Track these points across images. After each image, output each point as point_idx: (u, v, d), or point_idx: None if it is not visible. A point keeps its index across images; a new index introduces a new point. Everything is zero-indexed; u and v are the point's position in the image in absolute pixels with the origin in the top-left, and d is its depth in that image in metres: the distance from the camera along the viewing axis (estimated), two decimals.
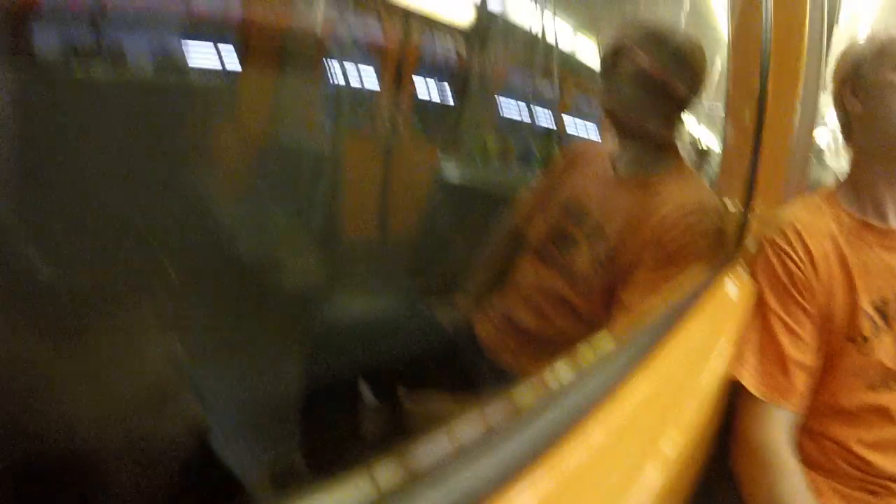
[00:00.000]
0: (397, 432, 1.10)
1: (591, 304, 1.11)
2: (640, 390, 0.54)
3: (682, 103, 1.17)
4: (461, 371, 1.23)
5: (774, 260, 1.00)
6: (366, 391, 1.30)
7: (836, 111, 1.07)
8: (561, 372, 0.59)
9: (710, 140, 4.76)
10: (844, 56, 1.04)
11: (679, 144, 1.21)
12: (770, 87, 1.16)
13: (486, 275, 1.42)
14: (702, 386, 0.66)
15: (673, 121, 1.19)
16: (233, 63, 3.19)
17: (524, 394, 0.52)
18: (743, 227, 1.21)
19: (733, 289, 1.03)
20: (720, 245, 1.09)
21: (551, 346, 1.15)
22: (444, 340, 1.29)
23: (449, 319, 1.32)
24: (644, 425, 0.52)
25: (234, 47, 3.20)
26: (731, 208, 1.22)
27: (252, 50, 3.16)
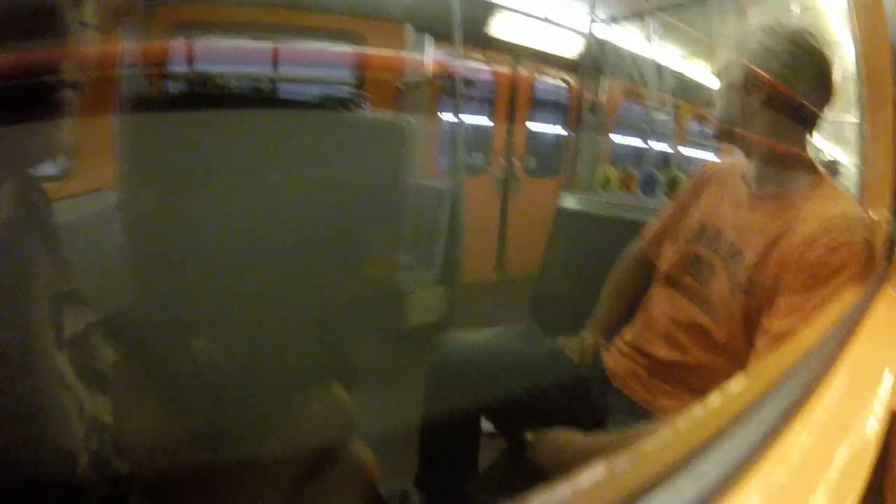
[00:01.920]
0: (525, 468, 1.06)
1: (731, 333, 1.03)
2: (799, 443, 0.47)
3: (816, 115, 1.08)
4: (589, 405, 1.18)
5: None
6: (490, 427, 1.28)
7: None
8: (703, 421, 0.53)
9: (837, 152, 4.40)
10: None
11: (814, 157, 1.11)
12: None
13: (613, 305, 1.37)
14: (872, 426, 0.57)
15: (807, 132, 1.09)
16: (354, 105, 3.38)
17: (664, 445, 0.47)
18: (893, 239, 1.08)
19: (888, 308, 0.91)
20: (871, 261, 0.98)
21: (688, 379, 1.08)
22: (571, 374, 1.24)
23: (576, 352, 1.28)
24: (805, 483, 0.45)
25: (356, 90, 3.39)
26: (878, 219, 1.10)
27: (372, 93, 3.33)
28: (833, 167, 3.95)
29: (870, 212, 1.09)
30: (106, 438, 0.39)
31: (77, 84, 0.40)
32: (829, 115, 1.11)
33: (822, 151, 4.40)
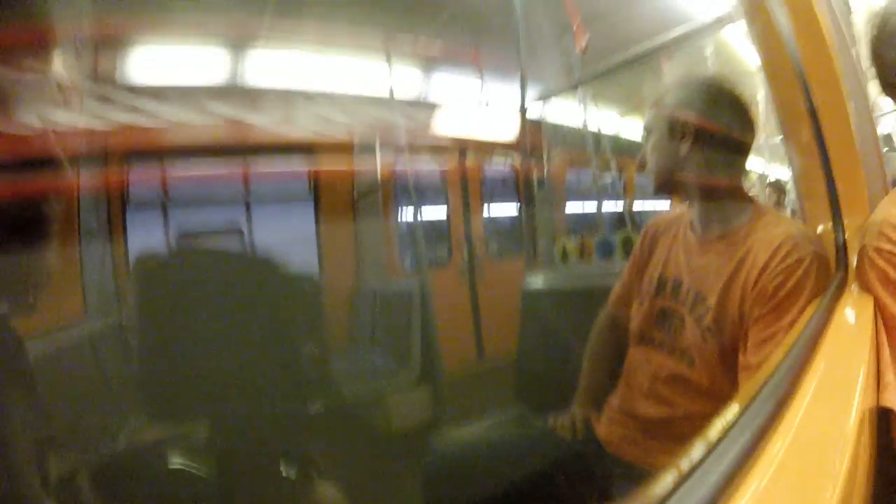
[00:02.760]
0: None
1: (713, 377, 1.03)
2: (780, 450, 0.48)
3: (744, 148, 1.14)
4: (590, 479, 1.16)
5: (885, 266, 0.91)
6: None
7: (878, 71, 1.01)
8: (693, 452, 0.53)
9: (779, 171, 4.60)
10: (873, 19, 1.00)
11: (747, 188, 1.17)
12: (816, 100, 1.12)
13: (595, 374, 1.36)
14: (849, 428, 0.58)
15: (739, 168, 1.16)
16: (310, 221, 3.44)
17: (659, 485, 0.47)
18: (841, 245, 1.12)
19: (852, 313, 0.93)
20: (827, 272, 1.01)
21: (681, 431, 1.07)
22: (567, 451, 1.22)
23: (568, 428, 1.26)
24: (793, 487, 0.45)
25: (311, 205, 3.45)
26: (823, 231, 1.14)
27: (326, 204, 3.39)
28: (778, 186, 4.12)
29: (815, 225, 1.14)
30: None
31: (49, 215, 0.41)
32: (763, 139, 1.18)
33: (765, 175, 4.60)
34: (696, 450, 0.52)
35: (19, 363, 0.45)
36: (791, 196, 3.96)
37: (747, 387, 0.87)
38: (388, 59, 3.17)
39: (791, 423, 0.53)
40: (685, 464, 0.49)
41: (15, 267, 0.42)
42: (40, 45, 0.42)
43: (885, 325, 0.90)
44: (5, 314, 0.45)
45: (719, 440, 0.49)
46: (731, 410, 0.63)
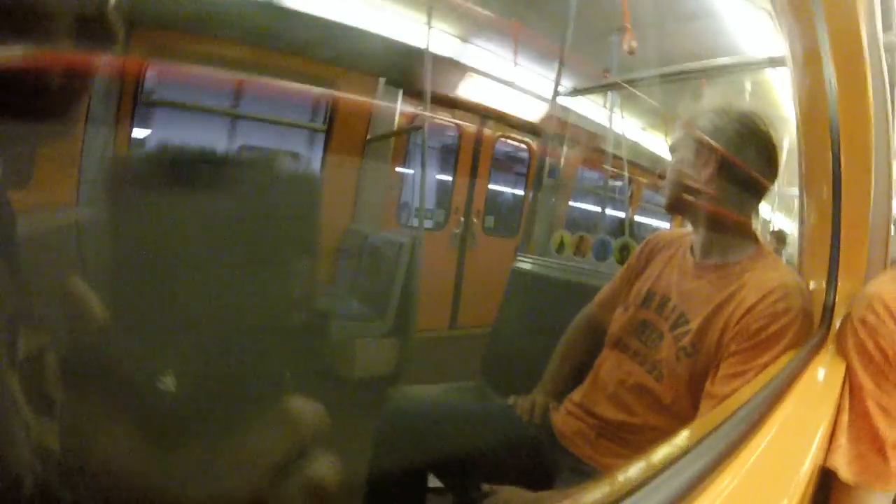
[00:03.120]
0: None
1: (676, 396, 1.06)
2: (728, 488, 0.49)
3: (762, 189, 1.15)
4: (537, 463, 1.19)
5: (865, 338, 0.93)
6: (437, 482, 1.26)
7: None
8: (642, 467, 0.55)
9: (783, 223, 4.63)
10: None
11: (757, 228, 1.18)
12: (843, 161, 1.13)
13: (564, 367, 1.39)
14: (796, 481, 0.60)
15: (752, 205, 1.16)
16: (319, 155, 3.42)
17: (601, 491, 0.49)
18: (829, 306, 1.14)
19: (823, 372, 0.95)
20: (809, 328, 1.03)
21: (634, 438, 1.10)
22: (520, 432, 1.25)
23: (526, 411, 1.28)
24: None
25: (322, 140, 3.43)
26: (816, 288, 1.16)
27: (337, 136, 3.37)
28: (780, 236, 4.15)
29: (809, 281, 1.15)
30: (52, 464, 0.38)
31: (51, 89, 0.40)
32: (776, 188, 1.18)
33: (769, 222, 4.63)
34: (648, 465, 0.53)
35: (7, 233, 0.44)
36: (789, 250, 4.00)
37: (710, 416, 0.90)
38: (429, 12, 3.12)
39: (745, 461, 0.55)
40: (634, 474, 0.50)
41: (21, 135, 0.42)
42: None
43: (850, 391, 0.93)
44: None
45: (672, 461, 0.50)
46: (691, 434, 0.65)
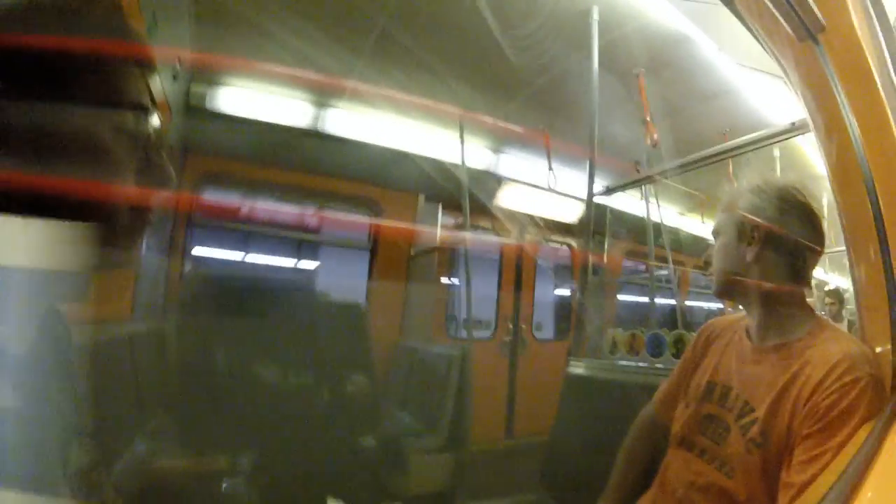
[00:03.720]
0: None
1: (751, 491, 0.98)
2: None
3: (811, 260, 1.12)
4: None
5: None
6: None
7: None
8: None
9: (838, 280, 4.41)
10: None
11: (812, 301, 1.13)
12: (884, 213, 1.08)
13: (628, 472, 1.31)
14: None
15: (804, 279, 1.13)
16: (364, 271, 3.50)
17: None
18: None
19: None
20: (881, 395, 0.95)
21: None
22: None
23: None
24: None
25: (368, 265, 3.52)
26: (882, 352, 1.08)
27: (382, 257, 3.45)
28: (837, 294, 3.95)
29: (874, 346, 1.08)
30: None
31: (122, 214, 0.44)
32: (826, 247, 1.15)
33: (823, 283, 4.44)
34: None
35: (63, 352, 0.46)
36: (850, 306, 3.79)
37: None
38: (462, 129, 3.27)
39: None
40: None
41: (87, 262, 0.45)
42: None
43: None
44: (59, 303, 0.47)
45: None
46: None
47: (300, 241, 3.27)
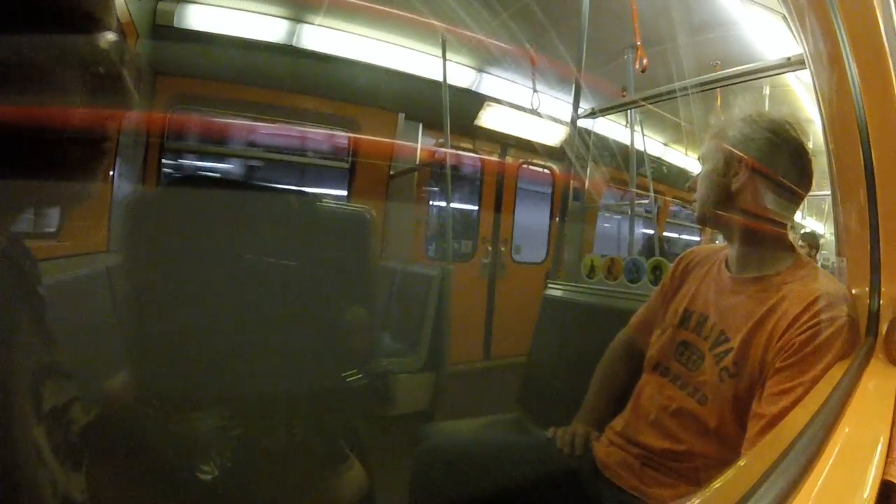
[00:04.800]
0: None
1: (722, 418, 1.01)
2: None
3: (796, 198, 1.12)
4: (580, 497, 1.14)
5: None
6: None
7: None
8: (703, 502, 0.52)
9: (815, 224, 4.50)
10: None
11: (792, 238, 1.14)
12: (875, 159, 1.08)
13: (603, 395, 1.35)
14: (862, 500, 0.56)
15: (787, 215, 1.13)
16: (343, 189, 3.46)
17: None
18: (875, 312, 1.08)
19: (876, 381, 0.90)
20: (856, 337, 0.98)
21: (680, 466, 1.05)
22: (561, 465, 1.20)
23: (566, 443, 1.24)
24: None
25: (347, 178, 3.47)
26: (859, 294, 1.11)
27: (360, 176, 3.40)
28: (812, 240, 4.04)
29: (851, 287, 1.10)
30: None
31: (77, 142, 0.41)
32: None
33: (799, 226, 4.53)
34: (707, 500, 0.50)
35: (30, 287, 0.44)
36: (823, 251, 3.87)
37: (768, 445, 0.85)
38: (444, 45, 3.16)
39: (811, 488, 0.51)
40: None
41: (42, 186, 0.42)
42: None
43: None
44: (21, 234, 0.45)
45: (741, 498, 0.48)
46: (750, 469, 0.61)
47: (277, 161, 3.19)
